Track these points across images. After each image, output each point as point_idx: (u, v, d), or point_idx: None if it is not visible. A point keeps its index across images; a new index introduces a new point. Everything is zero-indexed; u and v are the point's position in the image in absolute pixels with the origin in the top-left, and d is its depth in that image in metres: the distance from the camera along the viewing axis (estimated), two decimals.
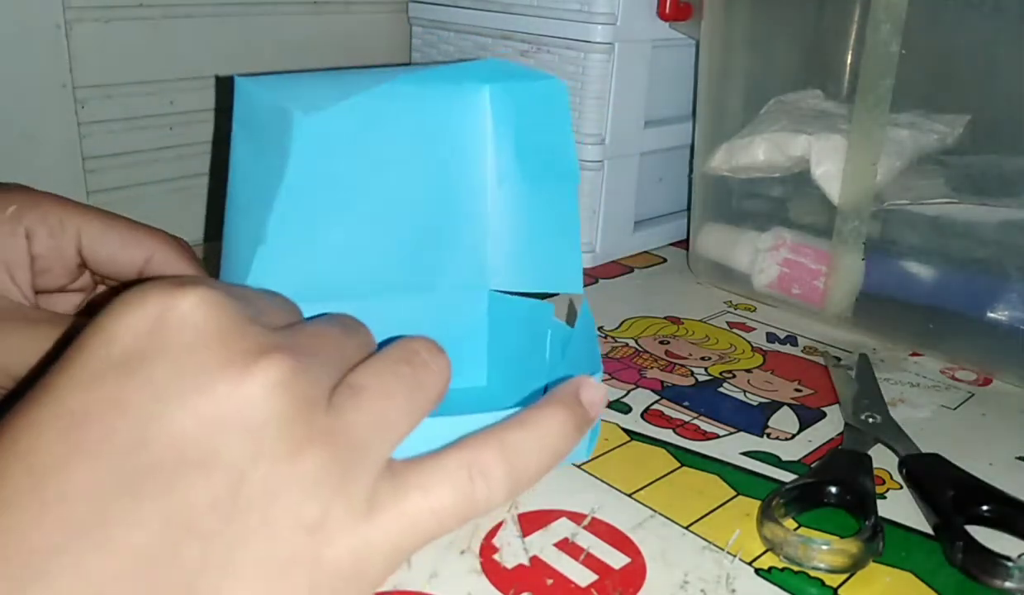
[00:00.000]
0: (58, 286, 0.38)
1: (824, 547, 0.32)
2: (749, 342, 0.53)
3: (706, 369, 0.49)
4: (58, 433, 0.19)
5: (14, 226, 0.36)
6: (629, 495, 0.37)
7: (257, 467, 0.20)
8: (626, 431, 0.42)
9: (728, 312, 0.58)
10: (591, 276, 0.63)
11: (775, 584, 0.32)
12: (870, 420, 0.42)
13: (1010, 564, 0.31)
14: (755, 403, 0.45)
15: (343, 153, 0.39)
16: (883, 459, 0.40)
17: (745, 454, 0.41)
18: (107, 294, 0.39)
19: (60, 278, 0.38)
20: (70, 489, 0.19)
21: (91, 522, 0.18)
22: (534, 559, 0.32)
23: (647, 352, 0.51)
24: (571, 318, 0.44)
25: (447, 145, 0.41)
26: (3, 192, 0.37)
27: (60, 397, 0.20)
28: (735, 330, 0.55)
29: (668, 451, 0.40)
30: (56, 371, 0.21)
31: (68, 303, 0.40)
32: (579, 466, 0.39)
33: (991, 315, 0.49)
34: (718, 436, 0.42)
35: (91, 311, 0.40)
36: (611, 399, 0.45)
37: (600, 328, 0.54)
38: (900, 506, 0.37)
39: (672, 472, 0.39)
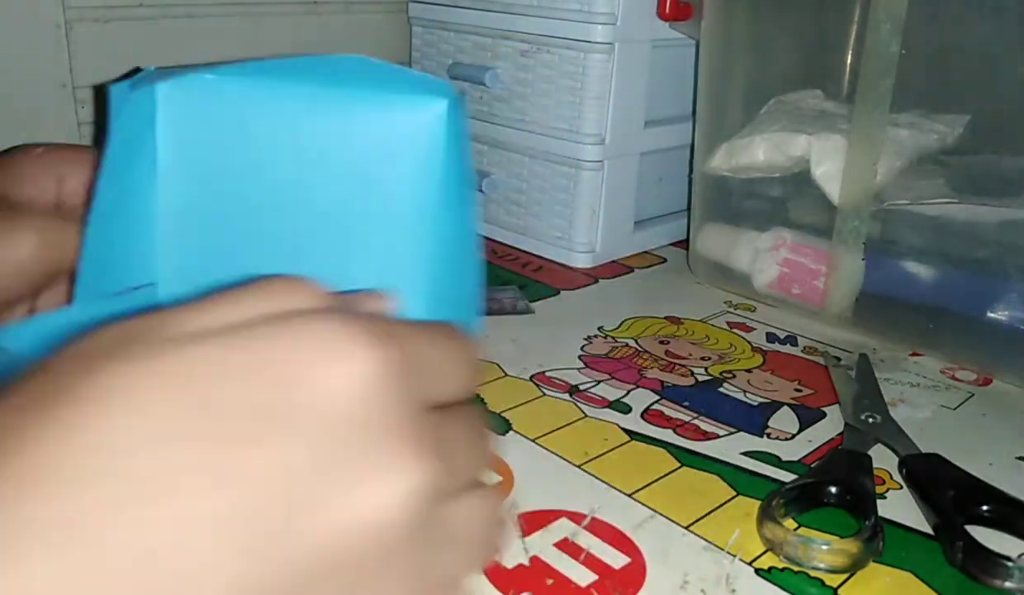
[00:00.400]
0: None
1: (824, 547, 0.32)
2: (749, 342, 0.53)
3: (706, 369, 0.49)
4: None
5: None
6: (629, 495, 0.37)
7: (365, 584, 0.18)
8: (626, 431, 0.42)
9: (728, 312, 0.58)
10: (591, 276, 0.63)
11: (775, 584, 0.32)
12: (870, 420, 0.42)
13: (1010, 564, 0.31)
14: (755, 403, 0.45)
15: (222, 146, 0.34)
16: (883, 459, 0.40)
17: (745, 454, 0.41)
18: None
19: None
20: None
21: None
22: (534, 559, 0.32)
23: (647, 352, 0.51)
24: None
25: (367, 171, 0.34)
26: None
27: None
28: (735, 330, 0.55)
29: (668, 451, 0.40)
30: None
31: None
32: (579, 466, 0.39)
33: (991, 315, 0.49)
34: (718, 436, 0.42)
35: None
36: (611, 399, 0.45)
37: (600, 328, 0.54)
38: (900, 506, 0.37)
39: (672, 472, 0.39)
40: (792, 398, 0.46)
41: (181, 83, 0.33)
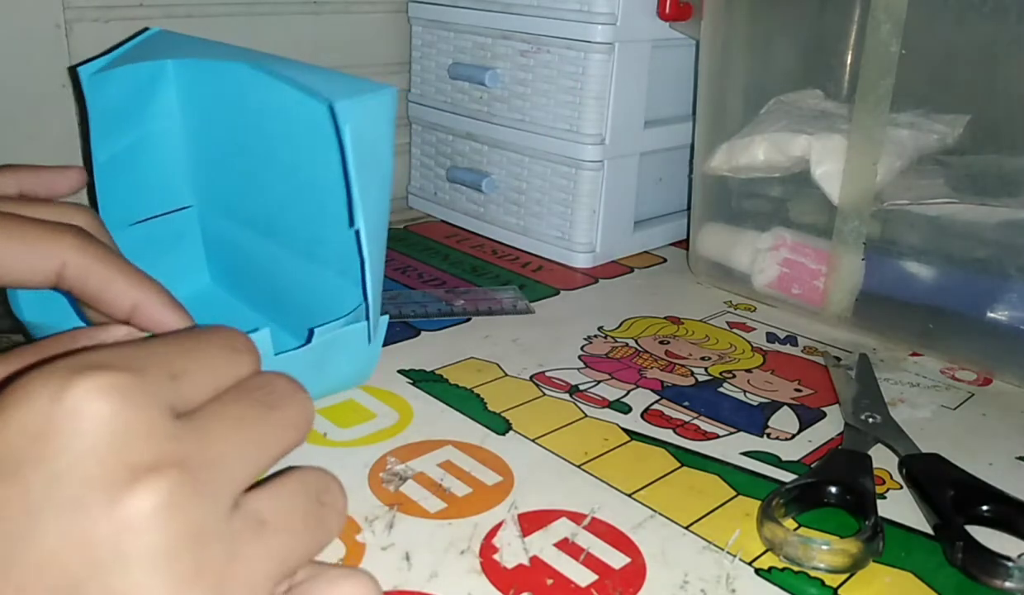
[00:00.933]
0: None
1: (824, 547, 0.32)
2: (749, 342, 0.53)
3: (706, 369, 0.49)
4: None
5: None
6: (629, 495, 0.37)
7: None
8: (626, 431, 0.42)
9: (728, 312, 0.58)
10: (591, 276, 0.63)
11: (775, 584, 0.32)
12: (870, 420, 0.42)
13: (1010, 564, 0.31)
14: (755, 403, 0.45)
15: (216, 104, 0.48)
16: (883, 459, 0.40)
17: (745, 454, 0.41)
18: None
19: None
20: None
21: None
22: (534, 559, 0.32)
23: (647, 352, 0.51)
24: None
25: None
26: None
27: None
28: (735, 330, 0.55)
29: (668, 451, 0.40)
30: None
31: None
32: (579, 466, 0.39)
33: (991, 315, 0.49)
34: (718, 436, 0.42)
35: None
36: (611, 399, 0.45)
37: (600, 328, 0.54)
38: (900, 506, 0.37)
39: (672, 472, 0.39)
40: (792, 398, 0.46)
41: (183, 62, 0.48)
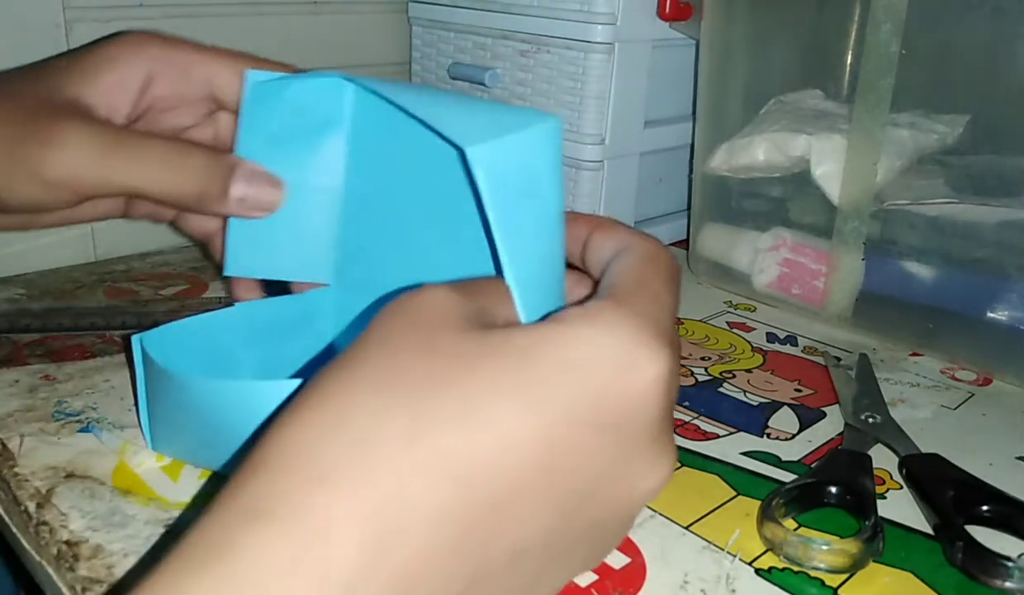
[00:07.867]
0: (185, 126, 0.42)
1: (824, 547, 0.32)
2: (749, 342, 0.53)
3: (706, 369, 0.49)
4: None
5: (132, 69, 0.40)
6: None
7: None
8: None
9: (728, 312, 0.58)
10: None
11: (775, 584, 0.32)
12: (870, 420, 0.42)
13: (1010, 564, 0.31)
14: (755, 403, 0.45)
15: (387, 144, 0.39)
16: (883, 459, 0.40)
17: (745, 454, 0.41)
18: None
19: (186, 118, 0.42)
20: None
21: None
22: None
23: None
24: None
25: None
26: (131, 38, 0.41)
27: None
28: (735, 330, 0.55)
29: None
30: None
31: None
32: None
33: (991, 315, 0.49)
34: (718, 436, 0.42)
35: None
36: None
37: None
38: (900, 506, 0.37)
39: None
40: (792, 398, 0.46)
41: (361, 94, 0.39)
